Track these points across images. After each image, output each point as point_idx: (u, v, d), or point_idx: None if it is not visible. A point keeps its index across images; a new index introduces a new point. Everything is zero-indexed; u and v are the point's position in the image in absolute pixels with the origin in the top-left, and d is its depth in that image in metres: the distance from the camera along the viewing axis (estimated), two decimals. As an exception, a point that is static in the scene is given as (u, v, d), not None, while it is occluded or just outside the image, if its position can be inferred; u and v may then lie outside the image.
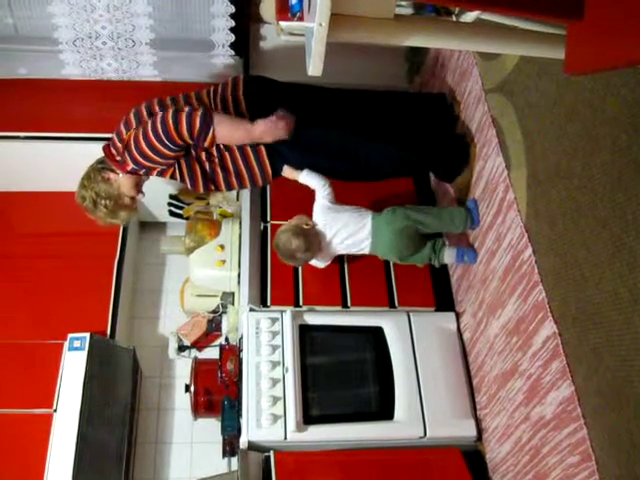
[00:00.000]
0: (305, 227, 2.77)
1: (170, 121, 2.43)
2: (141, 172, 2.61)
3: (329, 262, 2.97)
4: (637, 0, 1.12)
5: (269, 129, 2.54)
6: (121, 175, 2.62)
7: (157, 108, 2.60)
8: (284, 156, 2.71)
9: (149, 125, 2.47)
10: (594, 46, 1.25)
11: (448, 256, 2.86)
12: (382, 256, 2.92)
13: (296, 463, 2.67)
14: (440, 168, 3.02)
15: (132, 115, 2.60)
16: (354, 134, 2.80)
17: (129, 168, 2.59)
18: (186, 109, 2.46)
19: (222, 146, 2.61)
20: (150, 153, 2.49)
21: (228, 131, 2.52)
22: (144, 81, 3.56)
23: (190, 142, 2.50)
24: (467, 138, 2.92)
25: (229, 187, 2.76)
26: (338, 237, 2.80)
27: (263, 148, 2.66)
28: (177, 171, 2.63)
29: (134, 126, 2.55)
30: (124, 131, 2.57)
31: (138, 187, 2.69)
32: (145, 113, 2.58)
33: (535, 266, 2.25)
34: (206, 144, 2.51)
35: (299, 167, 2.75)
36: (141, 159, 2.52)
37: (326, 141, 2.76)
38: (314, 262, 2.95)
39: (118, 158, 2.60)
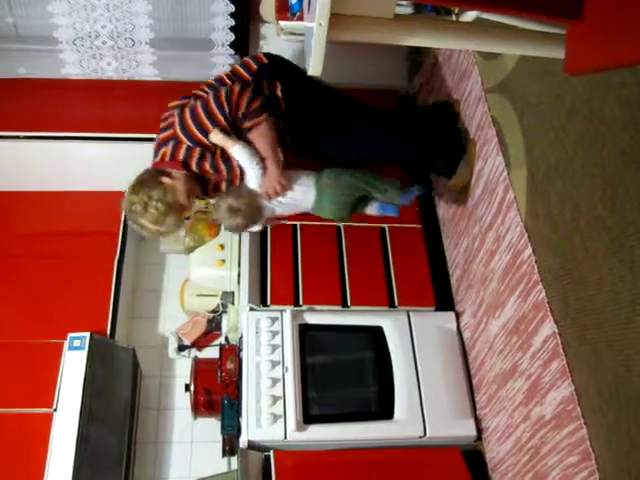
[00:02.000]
0: (236, 205, 2.72)
1: (236, 89, 2.54)
2: (194, 157, 2.61)
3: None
4: (636, 0, 1.12)
5: (272, 180, 2.66)
6: (176, 177, 2.61)
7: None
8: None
9: (211, 95, 2.55)
10: (594, 46, 1.25)
11: (369, 208, 2.89)
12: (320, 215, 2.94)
13: (296, 462, 2.67)
14: (438, 161, 3.00)
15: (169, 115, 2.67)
16: (356, 116, 2.84)
17: (182, 153, 2.59)
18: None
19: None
20: (207, 121, 2.53)
21: (267, 138, 2.61)
22: (144, 80, 3.57)
23: (240, 113, 2.55)
24: (467, 137, 2.92)
25: None
26: (279, 208, 2.80)
27: (279, 90, 2.70)
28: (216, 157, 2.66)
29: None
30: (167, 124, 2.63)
31: (190, 197, 2.68)
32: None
33: (535, 266, 2.25)
34: (247, 125, 2.56)
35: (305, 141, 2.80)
36: (197, 131, 2.55)
37: (327, 116, 2.80)
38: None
39: (169, 153, 2.62)
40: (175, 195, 2.60)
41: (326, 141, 2.80)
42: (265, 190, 2.68)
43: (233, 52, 3.46)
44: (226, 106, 2.52)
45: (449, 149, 2.94)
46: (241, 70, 2.74)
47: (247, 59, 2.79)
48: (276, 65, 2.78)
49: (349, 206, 2.83)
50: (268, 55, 2.80)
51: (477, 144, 2.81)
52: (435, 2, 2.45)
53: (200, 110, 2.54)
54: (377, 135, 2.85)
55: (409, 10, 2.94)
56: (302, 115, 2.74)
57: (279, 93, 2.69)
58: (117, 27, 3.29)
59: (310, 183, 2.77)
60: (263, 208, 2.76)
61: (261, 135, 2.60)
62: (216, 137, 2.57)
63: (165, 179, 2.60)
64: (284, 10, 2.93)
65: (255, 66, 2.74)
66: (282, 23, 3.08)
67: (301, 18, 2.24)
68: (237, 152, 2.60)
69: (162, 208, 2.57)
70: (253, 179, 2.66)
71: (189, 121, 2.54)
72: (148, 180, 2.61)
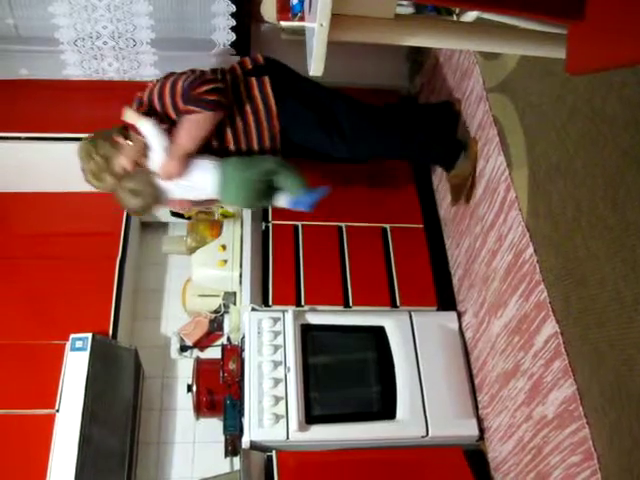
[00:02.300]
0: (134, 187, 2.69)
1: (206, 77, 2.56)
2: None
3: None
4: (637, 0, 1.12)
5: (170, 161, 2.62)
6: (132, 140, 2.63)
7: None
8: (296, 119, 2.75)
9: (184, 76, 2.57)
10: (595, 46, 1.25)
11: (281, 200, 2.80)
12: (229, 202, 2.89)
13: (298, 463, 2.67)
14: (439, 150, 2.97)
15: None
16: (357, 116, 2.83)
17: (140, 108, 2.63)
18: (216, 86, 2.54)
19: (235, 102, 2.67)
20: (167, 94, 2.56)
21: (194, 126, 2.57)
22: (145, 81, 3.56)
23: (193, 94, 2.51)
24: (468, 135, 2.91)
25: (237, 143, 2.74)
26: (179, 190, 2.74)
27: (274, 106, 2.69)
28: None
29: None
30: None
31: (137, 165, 2.66)
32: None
33: (537, 265, 2.25)
34: (189, 107, 2.52)
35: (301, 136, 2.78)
36: (156, 99, 2.59)
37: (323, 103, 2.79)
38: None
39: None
40: (121, 156, 2.63)
41: (326, 142, 2.80)
42: (161, 170, 2.64)
43: (234, 52, 3.46)
44: (188, 87, 2.52)
45: (449, 139, 2.94)
46: (236, 67, 2.77)
47: (245, 58, 2.81)
48: (271, 65, 2.79)
49: (257, 193, 2.73)
50: (266, 57, 2.81)
51: (479, 142, 2.81)
52: (436, 2, 2.44)
53: (168, 82, 2.57)
54: (379, 133, 2.85)
55: (410, 10, 2.93)
56: (299, 116, 2.74)
57: (268, 89, 2.69)
58: (118, 28, 3.29)
59: (212, 168, 2.69)
60: (160, 189, 2.71)
61: (191, 121, 2.56)
62: (127, 113, 2.61)
63: (120, 139, 2.63)
64: (285, 11, 2.92)
65: (250, 65, 2.76)
66: (283, 23, 3.08)
67: (302, 19, 2.24)
68: (145, 128, 2.60)
69: (102, 164, 2.62)
70: (155, 158, 2.64)
71: (155, 90, 2.59)
72: (106, 134, 2.66)
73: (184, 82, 2.53)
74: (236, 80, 2.71)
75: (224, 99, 2.55)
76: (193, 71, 2.66)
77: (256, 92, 2.69)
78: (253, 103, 2.69)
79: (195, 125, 2.57)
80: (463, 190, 2.95)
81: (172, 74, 2.67)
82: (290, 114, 2.72)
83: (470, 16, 2.41)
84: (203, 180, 2.69)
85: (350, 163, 3.16)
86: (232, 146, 2.73)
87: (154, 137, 2.60)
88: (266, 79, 2.70)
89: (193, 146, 2.61)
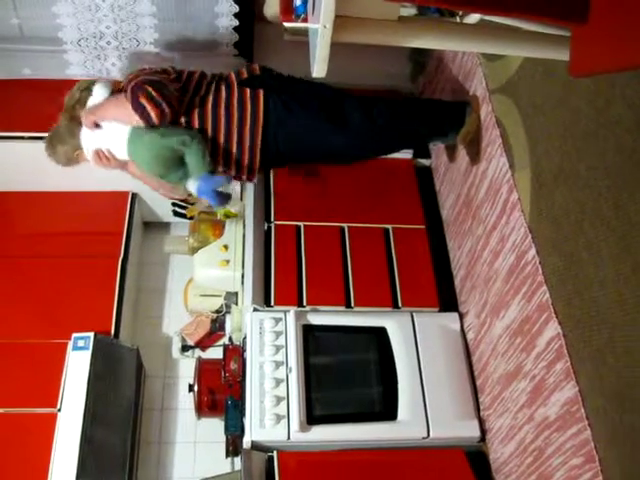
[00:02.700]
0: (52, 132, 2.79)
1: (164, 84, 2.56)
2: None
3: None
4: (641, 4, 1.12)
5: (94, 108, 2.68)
6: (104, 103, 2.67)
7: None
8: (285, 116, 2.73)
9: (159, 81, 2.58)
10: (599, 49, 1.25)
11: (190, 184, 2.73)
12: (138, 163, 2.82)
13: (299, 463, 2.67)
14: (447, 112, 2.96)
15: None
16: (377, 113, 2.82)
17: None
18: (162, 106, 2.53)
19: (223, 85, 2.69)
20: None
21: (120, 107, 2.60)
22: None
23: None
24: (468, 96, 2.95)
25: (215, 123, 2.71)
26: (95, 139, 2.73)
27: (262, 122, 2.68)
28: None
29: None
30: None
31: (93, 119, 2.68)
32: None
33: (539, 267, 2.25)
34: (131, 88, 2.54)
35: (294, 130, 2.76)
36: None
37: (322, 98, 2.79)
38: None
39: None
40: (87, 105, 2.69)
41: (330, 140, 2.79)
42: (84, 113, 2.67)
43: (237, 52, 3.47)
44: (146, 82, 2.53)
45: (452, 103, 2.99)
46: (232, 75, 2.77)
47: (242, 68, 2.82)
48: (267, 76, 2.79)
49: (165, 159, 2.65)
50: (263, 68, 2.82)
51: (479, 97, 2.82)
52: (439, 4, 2.44)
53: (142, 77, 2.58)
54: (392, 122, 2.83)
55: (413, 11, 2.94)
56: (303, 125, 2.74)
57: (260, 102, 2.69)
58: (121, 28, 3.29)
59: (126, 125, 2.65)
60: (79, 138, 2.72)
61: (121, 104, 2.58)
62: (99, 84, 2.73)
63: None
64: (288, 12, 2.92)
65: (246, 75, 2.76)
66: (286, 24, 3.08)
67: (306, 20, 2.24)
68: (100, 83, 2.73)
69: (73, 101, 2.73)
70: (92, 100, 2.70)
71: (130, 75, 2.64)
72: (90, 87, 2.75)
73: (151, 79, 2.55)
74: (230, 87, 2.70)
75: (158, 118, 2.53)
76: (180, 72, 2.70)
77: (248, 104, 2.68)
78: (242, 113, 2.67)
79: (122, 110, 2.58)
80: (473, 142, 2.93)
81: (168, 68, 2.72)
82: (285, 121, 2.72)
83: (473, 18, 2.42)
84: (117, 131, 2.66)
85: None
86: (210, 133, 2.71)
87: (98, 88, 2.70)
88: (260, 93, 2.69)
89: (108, 120, 2.66)
